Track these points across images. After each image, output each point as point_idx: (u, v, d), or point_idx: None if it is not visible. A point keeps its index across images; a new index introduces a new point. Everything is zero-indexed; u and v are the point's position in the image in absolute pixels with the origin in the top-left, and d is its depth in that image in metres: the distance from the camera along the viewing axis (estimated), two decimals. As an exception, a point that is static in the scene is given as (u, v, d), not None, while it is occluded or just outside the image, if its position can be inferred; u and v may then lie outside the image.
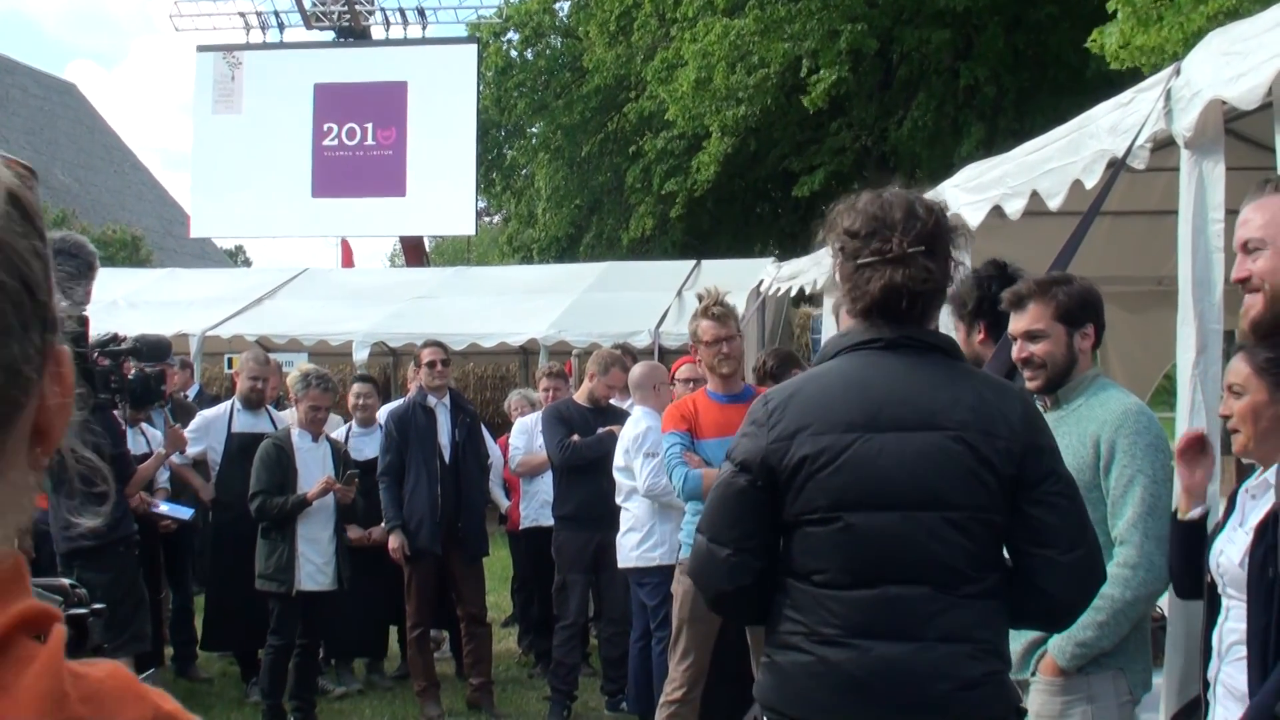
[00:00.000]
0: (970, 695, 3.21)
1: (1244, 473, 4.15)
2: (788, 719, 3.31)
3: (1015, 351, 4.66)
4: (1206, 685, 3.86)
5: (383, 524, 9.20)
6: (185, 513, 9.57)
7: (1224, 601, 3.79)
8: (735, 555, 3.33)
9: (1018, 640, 4.56)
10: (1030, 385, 4.65)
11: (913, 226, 3.25)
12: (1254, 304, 3.17)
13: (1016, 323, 4.63)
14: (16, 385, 1.03)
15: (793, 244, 27.57)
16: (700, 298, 7.07)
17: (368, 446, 9.66)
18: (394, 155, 27.73)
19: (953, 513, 3.22)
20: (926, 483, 3.21)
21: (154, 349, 7.61)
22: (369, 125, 27.94)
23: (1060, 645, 4.35)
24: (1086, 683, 4.37)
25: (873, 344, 3.34)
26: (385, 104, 27.81)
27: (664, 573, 7.95)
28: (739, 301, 15.17)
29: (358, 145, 27.97)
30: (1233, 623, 3.70)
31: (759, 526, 3.33)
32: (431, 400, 9.22)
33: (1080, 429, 4.45)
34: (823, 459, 3.23)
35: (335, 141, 28.01)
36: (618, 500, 8.22)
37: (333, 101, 27.98)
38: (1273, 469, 3.70)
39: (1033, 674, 4.51)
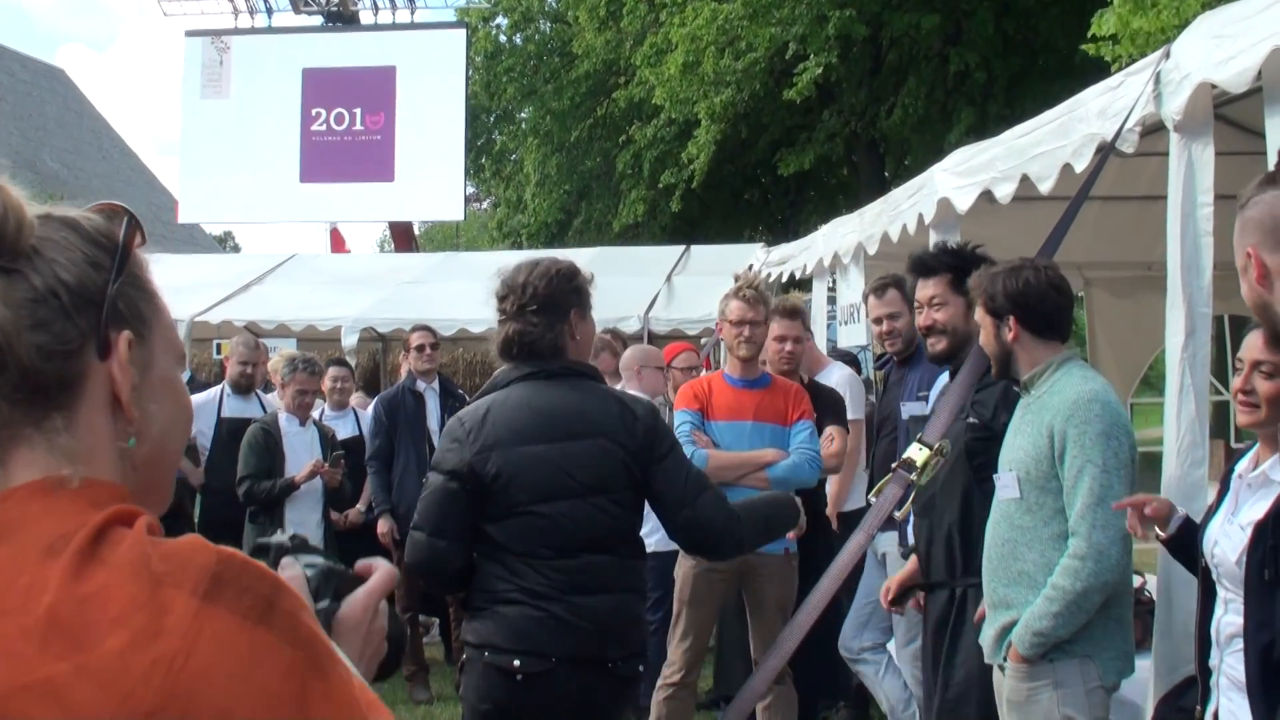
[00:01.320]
0: (638, 628, 4.45)
1: (1233, 456, 4.15)
2: (511, 652, 4.22)
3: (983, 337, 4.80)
4: (1208, 672, 3.86)
5: (357, 506, 9.24)
6: None
7: (1220, 592, 3.80)
8: (452, 544, 4.35)
9: (991, 626, 4.66)
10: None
11: (526, 290, 4.40)
12: None
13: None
14: (54, 363, 1.39)
15: (782, 229, 27.59)
16: (737, 278, 7.22)
17: (341, 429, 9.67)
18: (382, 140, 27.65)
19: (616, 495, 4.33)
20: (598, 475, 4.29)
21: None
22: (357, 110, 27.85)
23: (1020, 634, 4.43)
24: (1051, 670, 4.42)
25: (538, 375, 4.41)
26: (374, 89, 27.72)
27: (659, 559, 7.93)
28: (728, 288, 15.17)
29: (346, 130, 27.88)
30: (1231, 615, 3.71)
31: (467, 520, 4.32)
32: (420, 385, 9.22)
33: (1039, 418, 4.51)
34: (518, 466, 4.26)
35: (324, 127, 27.92)
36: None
37: (321, 86, 27.89)
38: (1271, 461, 3.70)
39: (1004, 659, 4.56)
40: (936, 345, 5.33)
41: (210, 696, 1.23)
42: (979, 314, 4.67)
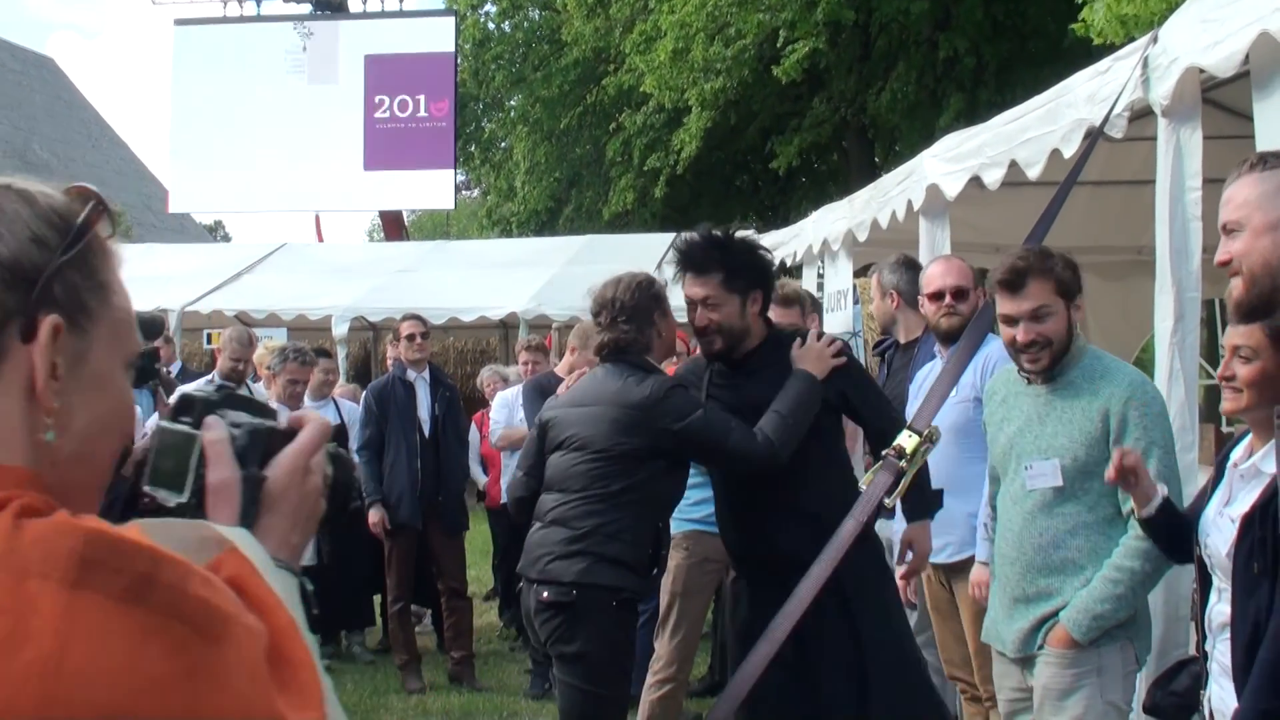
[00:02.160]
0: (558, 562, 5.06)
1: (1224, 441, 4.15)
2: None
3: (1019, 334, 4.49)
4: (1206, 656, 3.88)
5: None
6: None
7: (1215, 580, 3.80)
8: (524, 476, 5.48)
9: (1024, 619, 4.53)
10: (1036, 366, 4.53)
11: (615, 304, 5.22)
12: (1235, 286, 3.14)
13: (1019, 303, 4.48)
14: None
15: (772, 216, 27.54)
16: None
17: (322, 418, 9.67)
18: (444, 128, 27.54)
19: (591, 453, 5.11)
20: (585, 436, 5.14)
21: (147, 327, 7.55)
22: (416, 98, 27.64)
23: (1075, 618, 4.33)
24: (1097, 654, 4.36)
25: (605, 361, 5.32)
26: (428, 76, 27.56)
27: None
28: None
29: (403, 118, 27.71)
30: (1223, 605, 3.71)
31: (539, 460, 5.37)
32: (411, 374, 9.20)
33: (1084, 403, 4.40)
34: (554, 422, 5.33)
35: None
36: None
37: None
38: (1261, 453, 3.70)
39: (1040, 648, 4.48)
40: (714, 344, 5.18)
41: (93, 695, 1.16)
42: (1049, 298, 4.46)
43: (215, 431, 1.58)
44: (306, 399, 9.98)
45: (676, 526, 6.86)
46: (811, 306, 7.48)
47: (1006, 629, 4.65)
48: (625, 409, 5.05)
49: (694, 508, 6.72)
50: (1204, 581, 3.90)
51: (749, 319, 5.15)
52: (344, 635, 10.40)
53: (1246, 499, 3.59)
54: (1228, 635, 3.65)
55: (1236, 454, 3.85)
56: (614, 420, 5.07)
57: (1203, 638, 3.90)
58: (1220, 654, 3.72)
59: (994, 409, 4.79)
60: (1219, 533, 3.75)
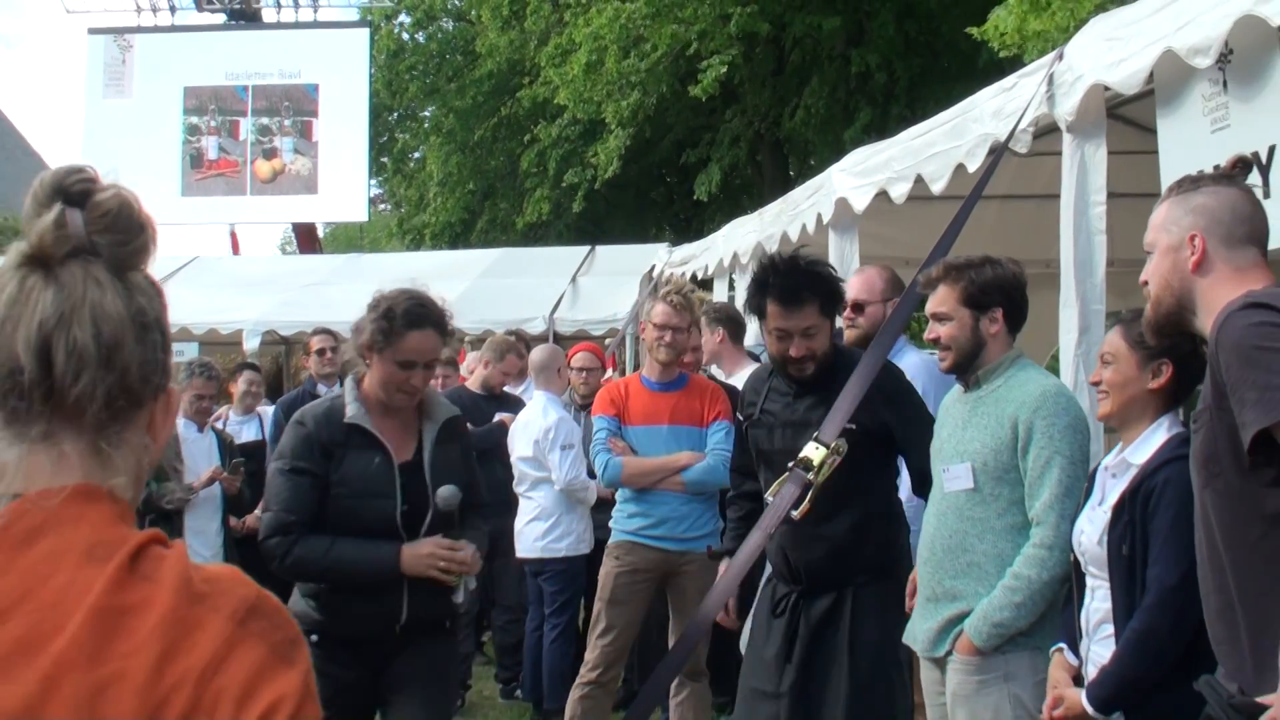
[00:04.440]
0: None
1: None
2: None
3: (927, 331, 4.71)
4: (1080, 661, 3.97)
5: (255, 512, 9.11)
6: None
7: (1088, 580, 3.92)
8: None
9: (933, 619, 4.58)
10: (941, 366, 4.72)
11: None
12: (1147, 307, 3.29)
13: (929, 304, 4.70)
14: (147, 380, 1.56)
15: (686, 229, 27.60)
16: (666, 282, 7.13)
17: (246, 433, 9.57)
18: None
19: None
20: None
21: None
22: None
23: (976, 625, 4.36)
24: (1004, 661, 4.37)
25: None
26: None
27: (568, 563, 7.99)
28: (632, 288, 15.18)
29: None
30: (1098, 602, 3.85)
31: None
32: (322, 388, 9.13)
33: (998, 410, 4.47)
34: None
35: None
36: (519, 489, 8.21)
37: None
38: (1131, 446, 3.86)
39: (948, 653, 4.51)
40: (807, 370, 5.16)
41: (230, 710, 1.37)
42: (950, 305, 4.58)
43: None
44: (232, 414, 9.88)
45: (612, 537, 6.90)
46: (706, 318, 7.45)
47: (919, 628, 4.69)
48: None
49: (629, 519, 6.80)
50: (1078, 588, 4.01)
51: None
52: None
53: (1117, 492, 3.76)
54: (1105, 633, 3.77)
55: (1108, 461, 4.01)
56: None
57: (1071, 641, 4.00)
58: (1096, 655, 3.82)
59: (940, 417, 4.85)
60: (1091, 525, 3.89)
